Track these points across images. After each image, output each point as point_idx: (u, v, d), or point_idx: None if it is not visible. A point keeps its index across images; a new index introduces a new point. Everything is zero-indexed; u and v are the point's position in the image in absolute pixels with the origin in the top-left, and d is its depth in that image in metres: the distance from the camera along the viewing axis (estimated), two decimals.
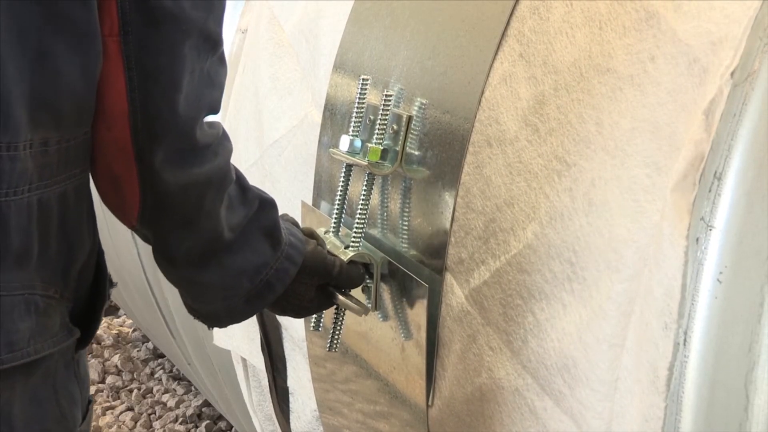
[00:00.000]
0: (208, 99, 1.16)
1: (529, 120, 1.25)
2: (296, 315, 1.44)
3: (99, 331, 4.22)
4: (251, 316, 1.35)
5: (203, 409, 3.62)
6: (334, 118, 1.65)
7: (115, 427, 3.57)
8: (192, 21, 1.10)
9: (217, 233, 1.23)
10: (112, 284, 1.27)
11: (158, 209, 1.18)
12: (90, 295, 1.21)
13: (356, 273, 1.44)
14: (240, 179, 1.28)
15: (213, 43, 1.15)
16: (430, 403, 1.43)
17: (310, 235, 1.43)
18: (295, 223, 1.44)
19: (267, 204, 1.31)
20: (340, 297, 1.42)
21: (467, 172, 1.32)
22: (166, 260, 1.26)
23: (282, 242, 1.32)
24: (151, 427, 3.58)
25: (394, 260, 1.44)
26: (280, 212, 1.36)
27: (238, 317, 1.34)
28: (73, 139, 1.10)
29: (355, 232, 1.44)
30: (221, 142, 1.21)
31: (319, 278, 1.39)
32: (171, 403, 3.67)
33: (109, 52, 1.08)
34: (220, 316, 1.33)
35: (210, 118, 1.21)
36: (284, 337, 1.91)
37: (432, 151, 1.39)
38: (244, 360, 2.12)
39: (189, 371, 3.13)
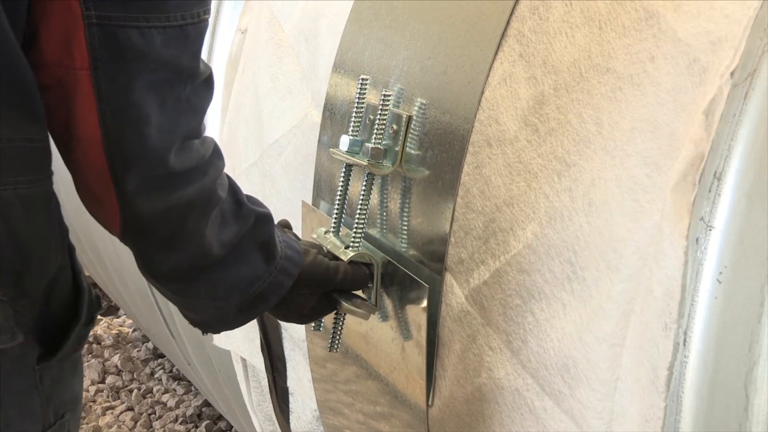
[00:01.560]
0: (186, 127, 1.16)
1: (528, 120, 1.25)
2: (299, 322, 1.45)
3: (99, 331, 4.22)
4: (245, 323, 1.36)
5: (203, 409, 3.62)
6: (333, 117, 1.65)
7: (115, 427, 3.57)
8: (162, 59, 1.11)
9: (203, 251, 1.24)
10: (99, 307, 1.28)
11: (138, 231, 1.20)
12: (64, 313, 1.21)
13: (361, 275, 1.44)
14: (236, 194, 1.28)
15: (189, 74, 1.15)
16: (430, 403, 1.43)
17: (311, 245, 1.44)
18: (294, 237, 1.44)
19: (263, 219, 1.31)
20: (345, 304, 1.42)
21: (467, 172, 1.32)
22: (149, 275, 1.27)
23: (277, 256, 1.32)
24: (151, 427, 3.58)
25: (394, 260, 1.44)
26: (281, 212, 1.36)
27: (232, 325, 1.35)
28: (8, 142, 1.09)
29: (355, 233, 1.44)
30: (211, 161, 1.21)
31: (319, 287, 1.40)
32: (171, 403, 3.67)
33: (82, 85, 1.10)
34: (212, 324, 1.35)
35: (204, 133, 1.21)
36: (284, 337, 1.91)
37: (432, 151, 1.39)
38: (244, 360, 2.12)
39: (189, 371, 3.13)
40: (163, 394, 3.77)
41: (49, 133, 1.14)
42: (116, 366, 3.96)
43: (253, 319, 1.35)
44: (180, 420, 3.58)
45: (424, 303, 1.38)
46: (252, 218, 1.29)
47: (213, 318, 1.33)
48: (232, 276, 1.28)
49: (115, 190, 1.15)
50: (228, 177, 1.28)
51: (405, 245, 1.44)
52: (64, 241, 1.21)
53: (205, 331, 1.37)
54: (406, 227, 1.43)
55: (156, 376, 3.91)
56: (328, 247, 1.46)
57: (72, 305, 1.23)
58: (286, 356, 1.91)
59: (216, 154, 1.23)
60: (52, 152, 1.17)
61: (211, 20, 2.32)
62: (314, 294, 1.40)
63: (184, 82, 1.15)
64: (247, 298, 1.30)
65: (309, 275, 1.38)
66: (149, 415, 3.64)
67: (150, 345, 4.10)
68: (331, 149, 1.53)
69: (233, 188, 1.28)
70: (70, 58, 1.09)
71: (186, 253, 1.23)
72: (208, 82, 1.20)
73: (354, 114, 1.47)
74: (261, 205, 1.34)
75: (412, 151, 1.41)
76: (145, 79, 1.10)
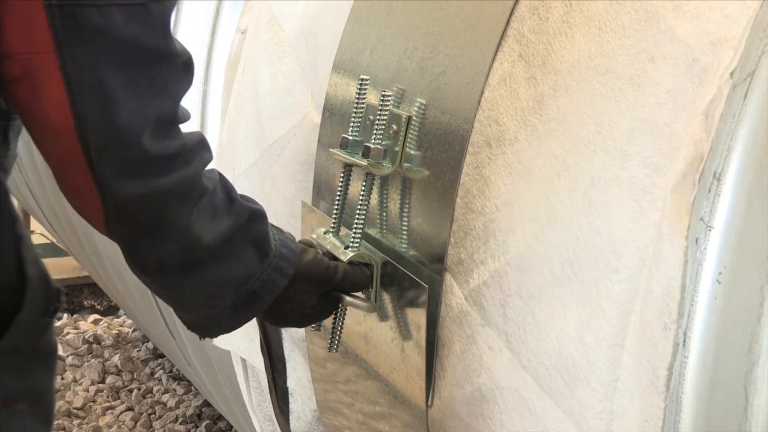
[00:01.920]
0: (158, 109, 1.15)
1: (528, 120, 1.25)
2: (298, 324, 1.44)
3: (99, 331, 4.22)
4: (240, 326, 1.35)
5: (203, 409, 3.62)
6: (333, 118, 1.65)
7: (115, 427, 3.57)
8: (123, 37, 1.11)
9: (191, 243, 1.23)
10: (58, 300, 1.26)
11: (120, 220, 1.19)
12: (11, 303, 1.21)
13: (362, 276, 1.44)
14: (229, 191, 1.28)
15: (159, 55, 1.15)
16: (429, 403, 1.42)
17: (309, 245, 1.43)
18: (291, 238, 1.44)
19: (257, 215, 1.31)
20: (347, 297, 1.42)
21: (467, 173, 1.32)
22: (137, 268, 1.26)
23: (270, 254, 1.32)
24: (151, 427, 3.58)
25: (394, 261, 1.44)
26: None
27: (225, 326, 1.34)
28: None
29: (355, 233, 1.44)
30: (197, 151, 1.21)
31: (319, 286, 1.40)
32: (171, 403, 3.68)
33: (49, 69, 1.10)
34: (206, 325, 1.33)
35: (190, 126, 1.21)
36: (284, 337, 1.91)
37: (431, 151, 1.39)
38: (243, 360, 2.12)
39: (189, 371, 3.13)
40: (163, 394, 3.77)
41: None
42: (116, 366, 3.97)
43: (248, 320, 1.35)
44: (180, 420, 3.58)
45: (424, 303, 1.38)
46: (246, 214, 1.29)
47: (207, 318, 1.32)
48: (224, 272, 1.27)
49: (92, 177, 1.14)
50: (220, 174, 1.28)
51: (405, 245, 1.44)
52: (9, 230, 1.20)
53: (201, 334, 1.36)
54: (405, 227, 1.43)
55: (156, 376, 3.92)
56: (328, 247, 1.46)
57: (17, 298, 1.21)
58: (286, 356, 1.91)
59: (203, 146, 1.23)
60: None
61: (210, 20, 2.33)
62: (315, 292, 1.40)
63: (158, 64, 1.14)
64: (241, 296, 1.30)
65: (309, 273, 1.38)
66: (149, 415, 3.65)
67: (150, 345, 4.10)
68: (331, 149, 1.53)
69: (225, 185, 1.28)
70: (34, 43, 1.09)
71: (171, 244, 1.22)
72: (187, 66, 1.19)
73: (354, 114, 1.47)
74: (255, 202, 1.34)
75: (412, 152, 1.41)
76: (108, 58, 1.11)
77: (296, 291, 1.37)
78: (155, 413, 3.65)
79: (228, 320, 1.32)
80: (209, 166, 1.26)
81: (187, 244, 1.23)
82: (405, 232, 1.44)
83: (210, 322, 1.33)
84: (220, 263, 1.27)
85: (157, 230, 1.21)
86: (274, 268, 1.32)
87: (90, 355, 4.04)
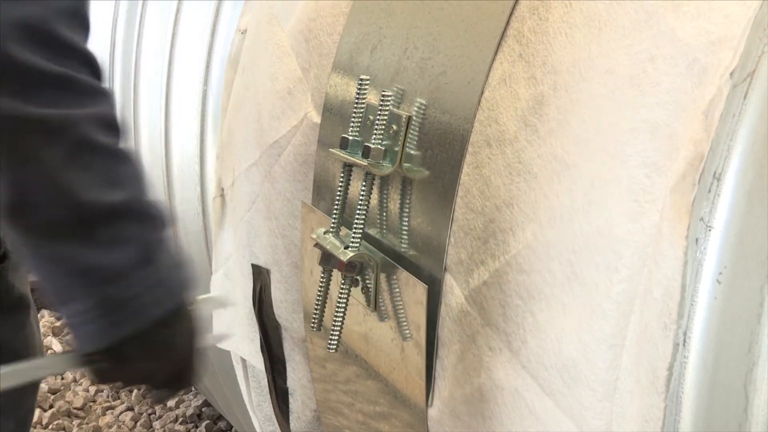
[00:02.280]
0: (22, 11, 1.06)
1: (528, 120, 1.25)
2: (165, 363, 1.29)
3: None
4: (108, 341, 1.19)
5: (203, 409, 3.62)
6: (333, 118, 1.65)
7: (115, 427, 3.57)
8: None
9: (63, 194, 1.12)
10: None
11: None
12: None
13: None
14: (142, 178, 1.20)
15: None
16: (429, 403, 1.43)
17: None
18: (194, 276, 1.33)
19: (159, 218, 1.21)
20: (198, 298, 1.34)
21: (467, 173, 1.32)
22: (4, 213, 1.14)
23: (155, 266, 1.18)
24: (151, 427, 3.58)
25: (394, 260, 1.44)
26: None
27: (89, 336, 1.19)
28: None
29: (355, 233, 1.44)
30: (95, 98, 1.13)
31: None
32: (171, 403, 3.67)
33: None
34: (74, 325, 1.20)
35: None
36: (284, 337, 1.91)
37: (432, 151, 1.39)
38: (243, 360, 2.12)
39: None
40: None
41: None
42: None
43: (115, 336, 1.19)
44: (180, 420, 3.58)
45: (424, 303, 1.38)
46: (147, 207, 1.19)
47: (75, 316, 1.18)
48: (94, 257, 1.15)
49: None
50: (147, 172, 1.21)
51: (405, 245, 1.44)
52: None
53: (75, 342, 1.22)
54: (405, 227, 1.43)
55: None
56: (328, 247, 1.46)
57: None
58: (286, 356, 1.91)
59: (105, 99, 1.14)
60: None
61: (210, 20, 2.33)
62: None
63: None
64: (106, 296, 1.16)
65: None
66: (149, 415, 3.64)
67: None
68: (331, 149, 1.53)
69: (145, 176, 1.19)
70: None
71: (35, 184, 1.11)
72: None
73: (354, 114, 1.47)
74: (164, 210, 1.25)
75: (412, 152, 1.41)
76: None
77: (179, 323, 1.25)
78: (155, 413, 3.65)
79: (94, 331, 1.18)
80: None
81: (56, 194, 1.12)
82: (405, 232, 1.44)
83: (77, 323, 1.19)
84: (93, 245, 1.14)
85: (21, 163, 1.10)
86: (154, 286, 1.18)
87: None
